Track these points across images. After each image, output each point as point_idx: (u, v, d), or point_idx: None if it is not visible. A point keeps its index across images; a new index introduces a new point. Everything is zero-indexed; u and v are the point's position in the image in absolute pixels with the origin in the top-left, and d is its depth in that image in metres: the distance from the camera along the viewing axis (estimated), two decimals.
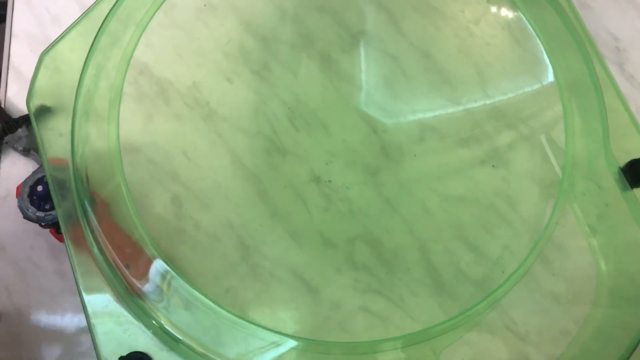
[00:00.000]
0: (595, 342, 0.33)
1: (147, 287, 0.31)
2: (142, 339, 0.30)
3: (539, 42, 0.38)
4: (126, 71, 0.37)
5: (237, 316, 0.32)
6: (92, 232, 0.31)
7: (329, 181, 0.38)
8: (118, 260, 0.30)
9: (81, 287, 0.30)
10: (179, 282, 0.32)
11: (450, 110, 0.39)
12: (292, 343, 0.32)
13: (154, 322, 0.30)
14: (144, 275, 0.31)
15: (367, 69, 0.40)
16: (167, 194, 0.37)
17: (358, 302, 0.35)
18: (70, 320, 0.40)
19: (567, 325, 0.35)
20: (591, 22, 0.45)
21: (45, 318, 0.40)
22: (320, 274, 0.36)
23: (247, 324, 0.32)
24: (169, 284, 0.32)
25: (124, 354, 0.29)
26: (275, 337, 0.32)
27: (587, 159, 0.35)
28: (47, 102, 0.37)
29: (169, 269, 0.32)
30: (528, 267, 0.34)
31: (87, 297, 0.30)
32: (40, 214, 0.36)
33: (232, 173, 0.38)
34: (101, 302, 0.30)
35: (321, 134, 0.39)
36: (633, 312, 0.33)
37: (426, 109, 0.39)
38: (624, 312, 0.34)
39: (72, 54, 0.38)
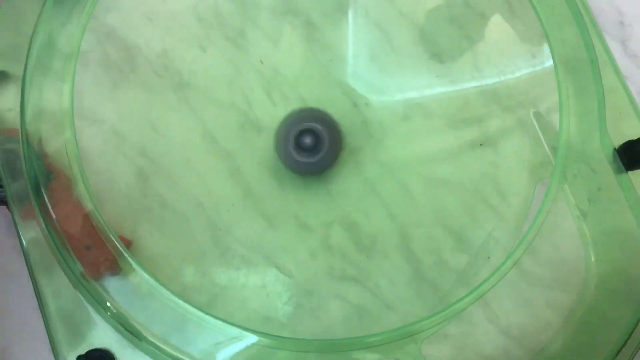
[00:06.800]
0: (579, 337, 0.31)
1: (106, 277, 0.29)
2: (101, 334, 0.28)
3: (535, 14, 0.35)
4: (85, 27, 0.34)
5: (203, 312, 0.30)
6: (45, 212, 0.28)
7: None
8: (72, 242, 0.28)
9: (35, 274, 0.27)
10: (142, 274, 0.29)
11: (438, 86, 0.36)
12: (264, 341, 0.30)
13: (113, 315, 0.28)
14: (100, 261, 0.29)
15: (351, 39, 0.37)
16: (132, 168, 0.35)
17: (333, 290, 0.34)
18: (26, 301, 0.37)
19: (551, 318, 0.33)
20: None
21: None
22: (294, 259, 0.34)
23: (214, 320, 0.29)
24: (130, 274, 0.29)
25: (82, 352, 0.27)
26: (246, 334, 0.30)
27: (580, 140, 0.32)
28: (3, 66, 0.34)
29: (129, 258, 0.29)
30: (515, 260, 0.32)
31: (40, 281, 0.27)
32: None
33: (203, 148, 0.36)
34: (55, 289, 0.27)
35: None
36: (619, 307, 0.31)
37: (413, 84, 0.37)
38: (610, 306, 0.32)
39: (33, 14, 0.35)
